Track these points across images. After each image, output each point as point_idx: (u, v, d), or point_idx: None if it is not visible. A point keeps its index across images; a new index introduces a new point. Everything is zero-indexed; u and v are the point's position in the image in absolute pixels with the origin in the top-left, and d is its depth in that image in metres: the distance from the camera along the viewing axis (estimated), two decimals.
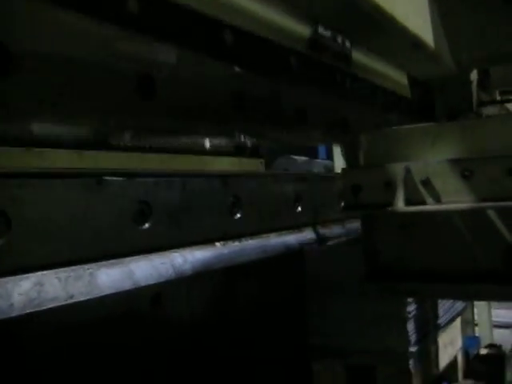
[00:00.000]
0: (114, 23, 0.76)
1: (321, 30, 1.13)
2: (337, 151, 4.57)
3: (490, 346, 4.13)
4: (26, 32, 0.72)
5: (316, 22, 1.12)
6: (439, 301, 1.97)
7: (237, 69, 1.09)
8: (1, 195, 0.96)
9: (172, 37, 0.87)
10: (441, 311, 1.99)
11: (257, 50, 1.07)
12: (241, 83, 1.15)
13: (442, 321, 2.01)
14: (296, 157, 4.66)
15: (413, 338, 1.70)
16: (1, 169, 1.01)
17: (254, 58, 1.06)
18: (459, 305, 2.24)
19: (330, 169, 4.76)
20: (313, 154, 5.18)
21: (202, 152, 2.65)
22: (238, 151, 2.91)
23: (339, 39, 1.20)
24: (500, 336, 5.02)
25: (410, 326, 1.67)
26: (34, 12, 0.71)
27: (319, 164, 4.81)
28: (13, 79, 0.71)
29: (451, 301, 2.10)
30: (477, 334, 4.58)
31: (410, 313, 1.66)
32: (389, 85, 1.66)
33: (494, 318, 5.09)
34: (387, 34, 1.21)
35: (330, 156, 5.08)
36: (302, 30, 1.25)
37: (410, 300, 1.66)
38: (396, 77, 1.77)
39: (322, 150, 5.59)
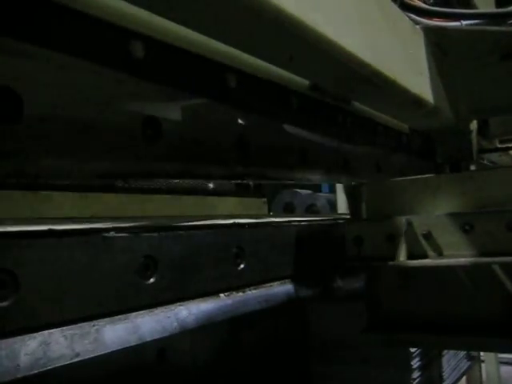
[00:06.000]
0: (119, 69, 0.79)
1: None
2: (339, 185, 4.60)
3: None
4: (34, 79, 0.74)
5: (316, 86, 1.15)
6: (444, 362, 1.95)
7: (240, 112, 1.11)
8: (8, 255, 0.98)
9: (177, 81, 0.90)
10: (446, 373, 1.96)
11: (259, 91, 1.10)
12: (244, 126, 1.16)
13: (447, 383, 1.98)
14: (299, 190, 4.72)
15: None
16: (6, 227, 1.03)
17: (256, 99, 1.09)
18: (464, 364, 2.20)
19: (333, 202, 4.80)
20: (316, 186, 5.23)
21: (206, 192, 2.68)
22: (241, 190, 2.94)
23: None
24: (508, 373, 4.96)
25: None
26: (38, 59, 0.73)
27: (322, 198, 4.85)
28: (23, 125, 0.73)
29: (456, 360, 2.08)
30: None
31: (414, 379, 1.65)
32: (390, 121, 1.67)
33: (500, 355, 5.02)
34: (388, 94, 1.24)
35: (332, 189, 5.14)
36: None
37: (414, 367, 1.64)
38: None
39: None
